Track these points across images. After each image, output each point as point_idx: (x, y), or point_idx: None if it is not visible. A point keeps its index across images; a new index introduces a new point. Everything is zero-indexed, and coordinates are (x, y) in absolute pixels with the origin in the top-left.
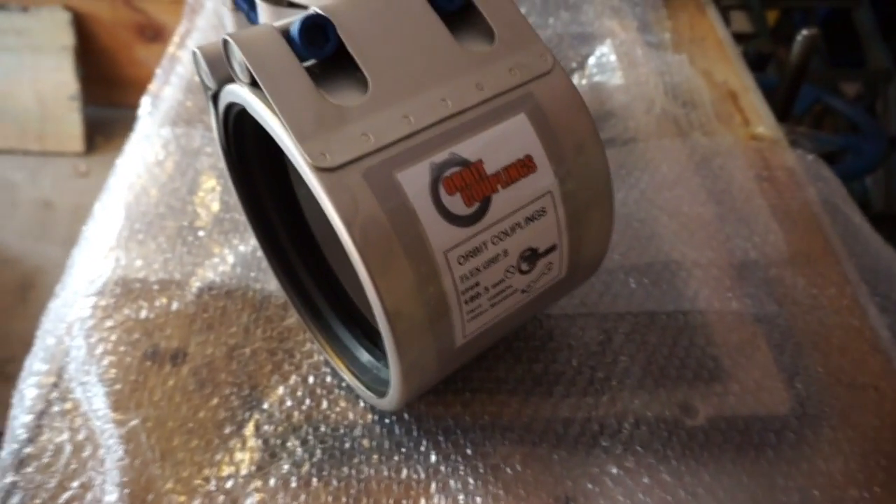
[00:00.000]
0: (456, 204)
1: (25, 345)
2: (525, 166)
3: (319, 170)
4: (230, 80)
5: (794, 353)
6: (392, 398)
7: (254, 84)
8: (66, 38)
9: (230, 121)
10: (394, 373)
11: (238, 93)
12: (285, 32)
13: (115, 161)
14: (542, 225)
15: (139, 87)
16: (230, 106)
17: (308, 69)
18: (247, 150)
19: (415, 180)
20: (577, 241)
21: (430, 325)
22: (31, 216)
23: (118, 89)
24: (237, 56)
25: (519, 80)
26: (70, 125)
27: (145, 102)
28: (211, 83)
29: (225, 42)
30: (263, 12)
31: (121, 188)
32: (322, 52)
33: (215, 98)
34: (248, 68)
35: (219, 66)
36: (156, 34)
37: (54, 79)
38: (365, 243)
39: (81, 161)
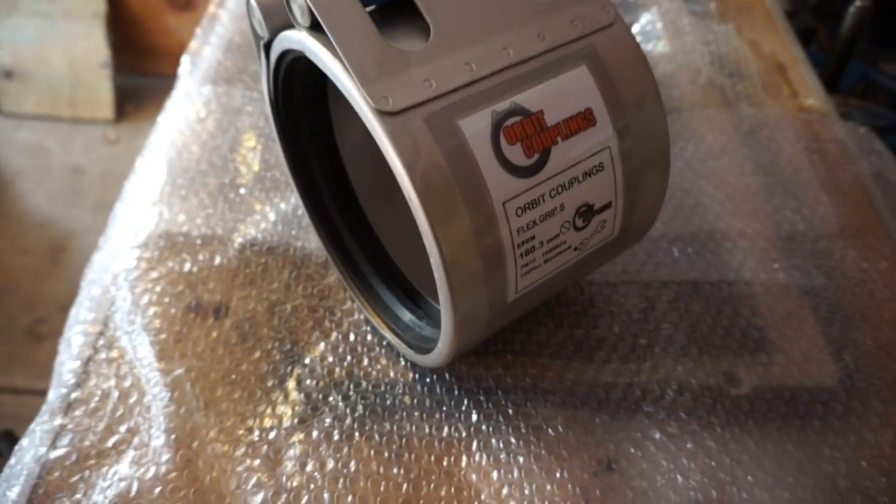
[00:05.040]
0: (516, 154)
1: (57, 306)
2: (585, 119)
3: (381, 113)
4: (283, 28)
5: (842, 325)
6: (441, 351)
7: (313, 28)
8: (98, 4)
9: (280, 72)
10: (446, 323)
11: (296, 38)
12: None
13: (145, 128)
14: (599, 180)
15: (169, 55)
16: (282, 56)
17: (370, 14)
18: (294, 104)
19: (476, 128)
20: (632, 200)
21: (486, 276)
22: (62, 181)
23: (148, 58)
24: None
25: (581, 32)
26: (101, 92)
27: (185, 61)
28: (264, 32)
29: None
30: None
31: (163, 144)
32: None
33: (267, 48)
34: (310, 10)
35: (274, 14)
36: (186, 2)
37: (86, 45)
38: (426, 189)
39: (111, 128)
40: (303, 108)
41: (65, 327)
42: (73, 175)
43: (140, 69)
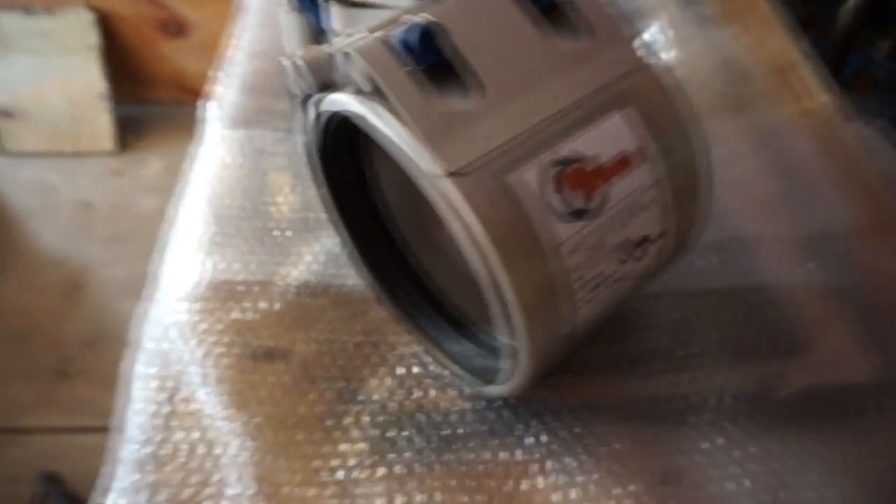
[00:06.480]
0: (574, 198)
1: (82, 343)
2: (634, 157)
3: (446, 175)
4: (325, 85)
5: (871, 323)
6: (514, 385)
7: (370, 94)
8: (92, 37)
9: (321, 127)
10: (523, 363)
11: (347, 103)
12: (398, 41)
13: (148, 157)
14: (652, 213)
15: (166, 82)
16: (324, 114)
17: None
18: (331, 152)
19: (535, 178)
20: (684, 224)
21: (557, 315)
22: (71, 217)
23: (145, 86)
24: (358, 67)
25: (616, 76)
26: (101, 124)
27: (210, 106)
28: (305, 91)
29: (345, 54)
30: (335, 13)
31: (199, 193)
32: (434, 59)
33: (307, 104)
34: (369, 79)
35: (316, 75)
36: (179, 29)
37: (82, 79)
38: (496, 244)
39: (114, 160)
40: (340, 156)
41: (127, 383)
42: (81, 210)
43: (138, 98)
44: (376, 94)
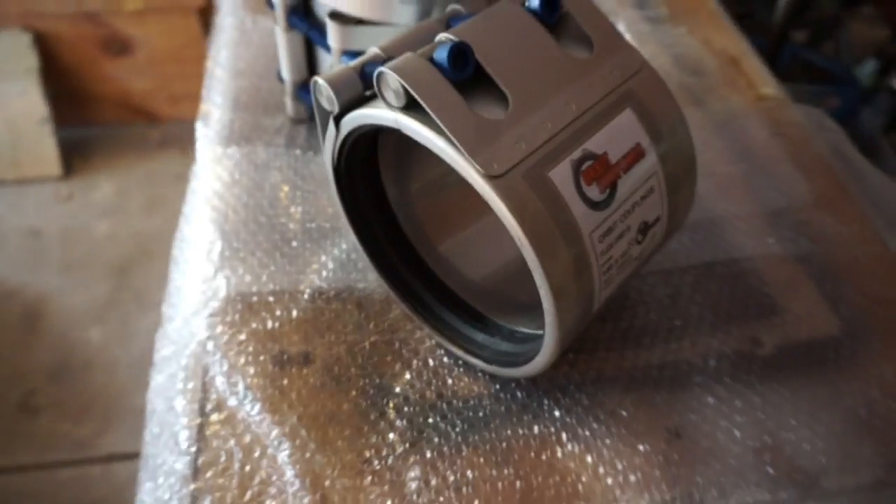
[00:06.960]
0: (593, 192)
1: (46, 375)
2: (637, 152)
3: (490, 177)
4: (352, 102)
5: (833, 282)
6: (538, 363)
7: (406, 108)
8: (30, 60)
9: (348, 142)
10: (550, 342)
11: (386, 116)
12: (430, 59)
13: (97, 180)
14: (651, 201)
15: (111, 102)
16: (348, 130)
17: None
18: (352, 166)
19: (562, 176)
20: (674, 210)
21: (580, 296)
22: (20, 246)
23: (90, 107)
24: (392, 83)
25: (620, 80)
26: (44, 149)
27: (199, 125)
28: (334, 107)
29: (380, 73)
30: (332, 31)
31: (205, 210)
32: (463, 74)
33: (336, 121)
34: (405, 93)
35: (342, 90)
36: (122, 47)
37: (22, 103)
38: (533, 234)
39: (62, 185)
40: (359, 168)
41: (152, 401)
42: (30, 239)
43: (82, 120)
44: (410, 107)
